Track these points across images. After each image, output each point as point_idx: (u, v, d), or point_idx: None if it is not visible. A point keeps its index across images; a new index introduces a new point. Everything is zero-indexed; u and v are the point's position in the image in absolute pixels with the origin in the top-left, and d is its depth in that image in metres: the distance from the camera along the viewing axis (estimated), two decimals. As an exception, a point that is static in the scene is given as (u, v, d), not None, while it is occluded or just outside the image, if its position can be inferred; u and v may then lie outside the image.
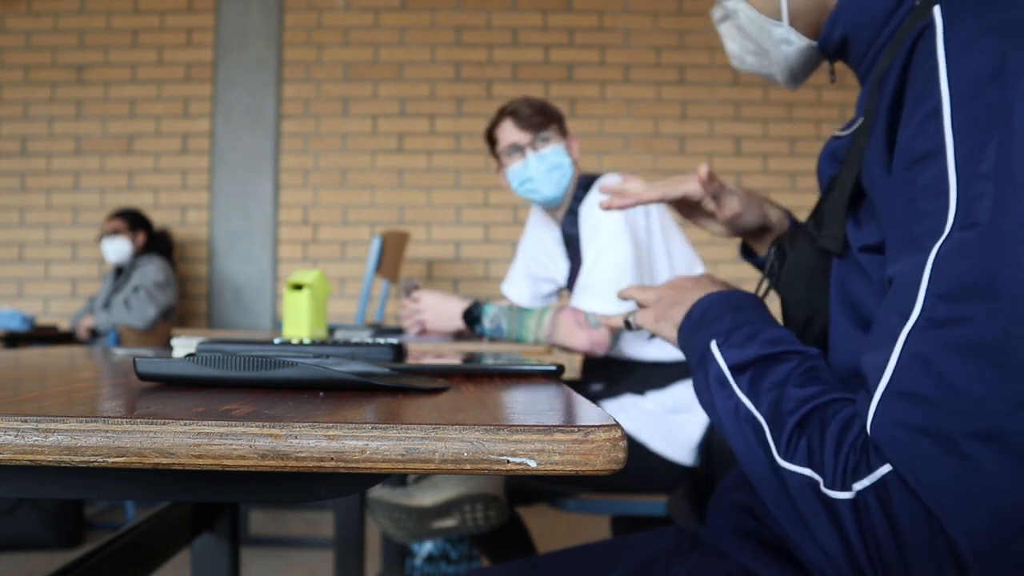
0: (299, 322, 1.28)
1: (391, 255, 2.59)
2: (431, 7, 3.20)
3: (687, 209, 0.82)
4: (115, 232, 2.78)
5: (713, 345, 0.59)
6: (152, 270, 2.73)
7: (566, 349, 1.31)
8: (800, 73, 0.71)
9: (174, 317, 2.83)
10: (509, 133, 1.48)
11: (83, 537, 2.31)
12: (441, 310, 1.41)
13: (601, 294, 1.30)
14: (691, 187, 0.77)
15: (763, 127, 3.19)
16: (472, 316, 1.37)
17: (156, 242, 2.87)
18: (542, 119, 1.46)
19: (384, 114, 3.19)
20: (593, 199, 1.42)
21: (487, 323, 1.35)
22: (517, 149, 1.47)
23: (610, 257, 1.32)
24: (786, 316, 0.70)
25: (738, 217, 0.79)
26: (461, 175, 3.19)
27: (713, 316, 0.63)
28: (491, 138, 1.54)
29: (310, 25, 3.20)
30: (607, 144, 3.12)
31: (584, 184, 1.48)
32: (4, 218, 3.21)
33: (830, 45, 0.65)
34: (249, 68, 3.18)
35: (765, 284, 0.74)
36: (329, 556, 2.13)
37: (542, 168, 1.45)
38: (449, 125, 3.19)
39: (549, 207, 1.51)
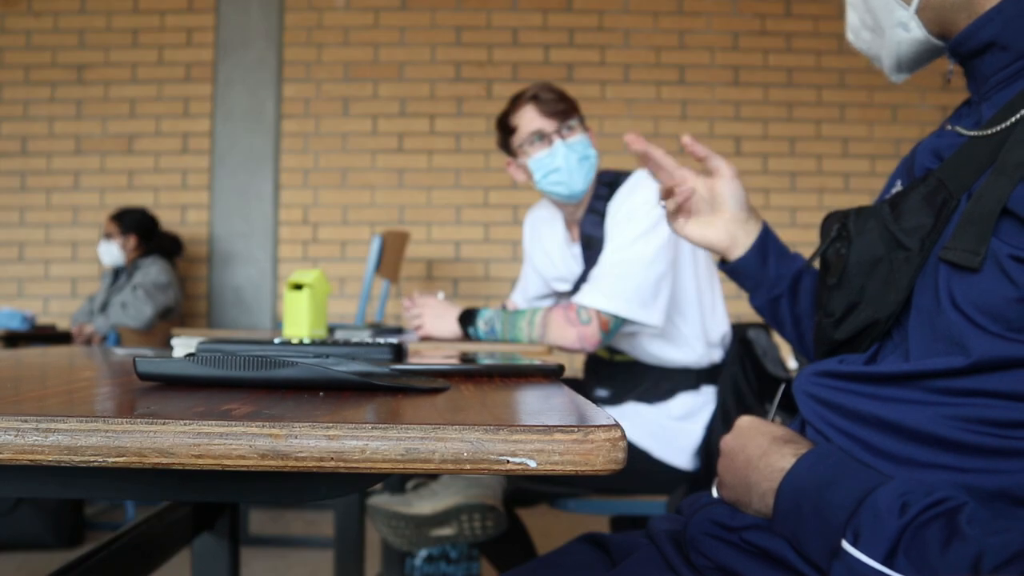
0: (299, 322, 1.28)
1: (391, 255, 2.59)
2: (431, 7, 3.20)
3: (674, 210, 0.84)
4: (108, 235, 2.79)
5: (846, 545, 0.52)
6: (155, 271, 2.73)
7: (560, 348, 1.31)
8: (907, 65, 0.69)
9: (174, 317, 2.82)
10: (532, 120, 1.35)
11: (83, 537, 2.31)
12: (438, 314, 1.40)
13: (603, 289, 1.27)
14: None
15: (763, 127, 3.19)
16: (467, 319, 1.37)
17: (160, 243, 2.86)
18: (566, 106, 1.36)
19: (384, 114, 3.19)
20: (626, 193, 1.34)
21: (481, 325, 1.35)
22: (542, 137, 1.35)
23: (625, 253, 1.28)
24: (830, 298, 0.67)
25: (724, 184, 0.83)
26: (461, 175, 3.19)
27: (812, 505, 0.56)
28: (506, 126, 1.41)
29: (310, 25, 3.20)
30: (607, 144, 3.12)
31: (607, 182, 1.39)
32: (4, 218, 3.21)
33: (968, 47, 0.63)
34: (249, 68, 3.18)
35: (818, 262, 0.71)
36: (329, 556, 2.13)
37: (572, 158, 1.34)
38: (449, 125, 3.19)
39: (569, 203, 1.41)
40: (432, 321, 1.40)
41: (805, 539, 0.56)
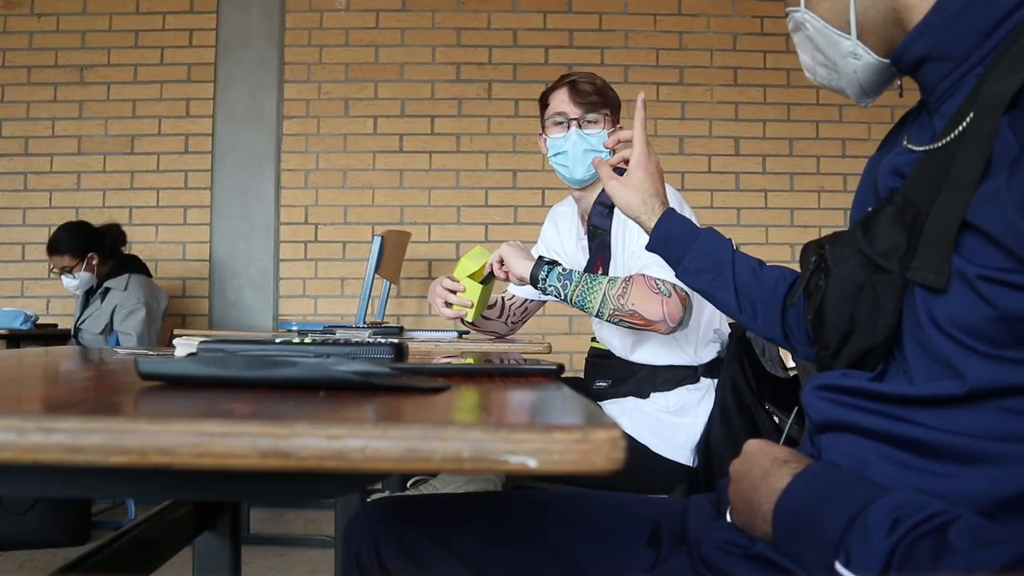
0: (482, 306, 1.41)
1: (391, 255, 2.60)
2: (432, 8, 3.20)
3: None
4: (66, 270, 2.54)
5: (839, 567, 0.52)
6: (127, 309, 2.50)
7: (638, 322, 1.24)
8: (871, 89, 0.69)
9: (165, 315, 2.75)
10: (561, 102, 1.45)
11: (90, 535, 2.31)
12: (519, 252, 1.37)
13: (665, 264, 1.26)
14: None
15: (762, 127, 3.19)
16: (543, 263, 1.33)
17: (115, 250, 2.64)
18: (598, 99, 1.43)
19: (385, 114, 3.19)
20: None
21: (556, 273, 1.30)
22: (563, 120, 1.45)
23: None
24: (820, 332, 0.67)
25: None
26: (461, 175, 3.19)
27: (807, 525, 0.56)
28: (544, 101, 1.52)
29: (311, 26, 3.20)
30: (608, 144, 3.13)
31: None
32: (7, 218, 3.21)
33: (905, 61, 0.63)
34: (250, 68, 3.18)
35: (802, 296, 0.71)
36: (330, 555, 2.13)
37: (580, 147, 1.42)
38: (449, 125, 3.19)
39: (573, 187, 1.49)
40: (513, 254, 1.37)
41: (805, 561, 0.57)
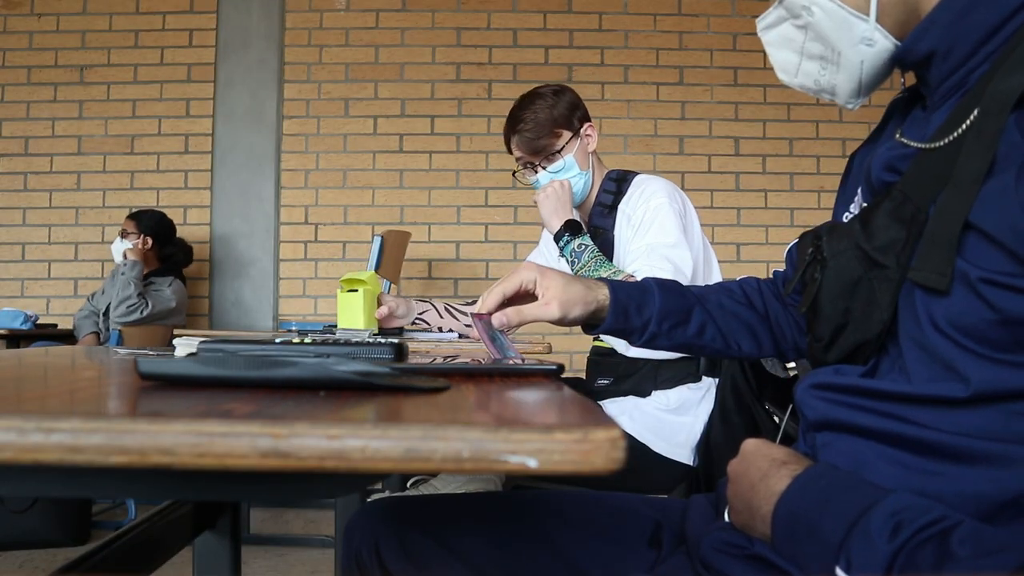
0: (355, 319, 1.40)
1: (391, 255, 2.59)
2: (432, 8, 3.20)
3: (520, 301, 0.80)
4: (124, 233, 2.74)
5: (840, 573, 0.51)
6: (166, 296, 2.69)
7: None
8: (868, 85, 0.66)
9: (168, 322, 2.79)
10: (518, 151, 1.50)
11: (90, 535, 2.31)
12: (557, 206, 1.43)
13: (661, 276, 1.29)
14: (525, 275, 0.77)
15: (762, 127, 3.19)
16: (569, 230, 1.39)
17: (175, 255, 2.81)
18: (547, 141, 1.45)
19: (385, 114, 3.20)
20: (638, 197, 1.42)
21: (575, 243, 1.38)
22: (528, 165, 1.51)
23: (672, 250, 1.32)
24: (814, 323, 0.66)
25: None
26: (461, 175, 3.19)
27: (806, 529, 0.55)
28: (507, 145, 1.56)
29: (311, 26, 3.21)
30: (607, 144, 3.13)
31: (614, 178, 1.49)
32: (7, 218, 3.21)
33: (911, 58, 0.62)
34: (250, 68, 3.18)
35: (797, 287, 0.70)
36: (330, 555, 2.13)
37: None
38: (449, 125, 3.19)
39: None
40: (549, 204, 1.43)
41: (804, 563, 0.56)
